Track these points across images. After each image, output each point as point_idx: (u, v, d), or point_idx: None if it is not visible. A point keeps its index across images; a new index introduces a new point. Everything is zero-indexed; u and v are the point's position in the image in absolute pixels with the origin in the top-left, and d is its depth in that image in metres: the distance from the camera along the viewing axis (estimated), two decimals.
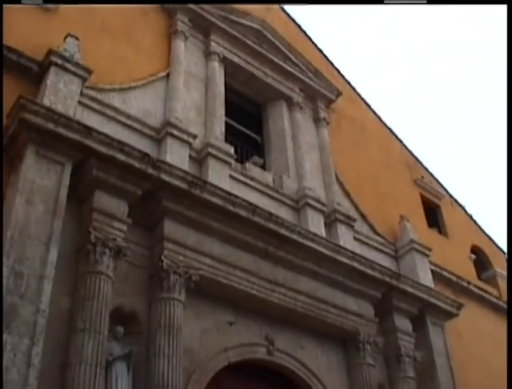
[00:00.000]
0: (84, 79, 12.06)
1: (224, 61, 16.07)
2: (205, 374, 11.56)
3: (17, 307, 9.05)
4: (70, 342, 9.79)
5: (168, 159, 12.39)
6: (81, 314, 9.96)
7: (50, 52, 11.74)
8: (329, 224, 15.43)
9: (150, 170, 11.51)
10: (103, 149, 11.02)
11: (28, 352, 8.87)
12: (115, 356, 10.42)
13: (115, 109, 12.70)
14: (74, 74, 11.84)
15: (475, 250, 21.85)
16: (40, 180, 10.30)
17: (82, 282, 10.32)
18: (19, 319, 8.98)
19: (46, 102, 11.01)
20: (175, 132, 13.05)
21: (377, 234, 16.98)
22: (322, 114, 17.96)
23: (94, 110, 12.34)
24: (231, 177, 13.82)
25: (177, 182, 11.80)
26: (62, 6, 12.97)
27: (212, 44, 15.95)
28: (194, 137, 13.46)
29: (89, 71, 12.11)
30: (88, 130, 10.94)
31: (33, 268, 9.51)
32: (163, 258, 11.38)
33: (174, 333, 10.84)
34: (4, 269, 9.17)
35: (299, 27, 20.35)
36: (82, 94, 12.05)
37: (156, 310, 11.09)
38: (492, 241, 23.10)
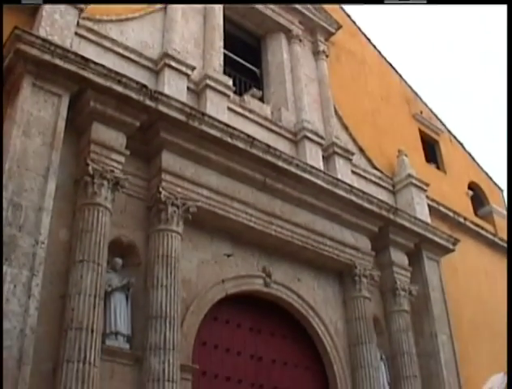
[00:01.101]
0: (81, 10, 11.83)
1: None
2: (202, 305, 11.69)
3: (16, 239, 9.07)
4: (69, 273, 9.86)
5: (166, 90, 12.27)
6: (79, 245, 9.99)
7: None
8: (327, 158, 15.41)
9: (148, 102, 11.40)
10: (100, 80, 10.87)
11: (28, 283, 8.94)
12: (113, 287, 10.55)
13: (112, 41, 12.52)
14: (71, 4, 11.62)
15: (472, 186, 21.90)
16: (37, 112, 10.20)
17: (80, 214, 10.32)
18: (18, 251, 9.02)
19: (42, 33, 10.81)
20: (173, 64, 12.90)
21: (375, 168, 16.97)
22: (322, 47, 17.72)
23: (91, 41, 12.18)
24: (229, 109, 13.72)
25: (175, 114, 11.70)
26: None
27: None
28: (193, 69, 13.30)
29: (86, 1, 11.89)
30: (85, 62, 10.78)
31: (31, 200, 9.50)
32: (161, 189, 11.38)
33: (172, 264, 10.91)
34: (3, 201, 9.15)
35: None
36: (78, 25, 11.84)
37: (154, 242, 11.13)
38: (490, 178, 23.14)
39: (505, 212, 22.23)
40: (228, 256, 12.55)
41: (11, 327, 8.52)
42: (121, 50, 12.56)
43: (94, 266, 9.87)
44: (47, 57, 10.36)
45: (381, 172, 17.07)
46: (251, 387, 12.28)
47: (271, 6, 16.87)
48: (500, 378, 16.85)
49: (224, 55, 15.02)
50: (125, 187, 11.09)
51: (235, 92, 14.48)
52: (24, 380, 8.39)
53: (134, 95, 11.22)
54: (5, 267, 8.78)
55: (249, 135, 12.73)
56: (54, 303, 9.63)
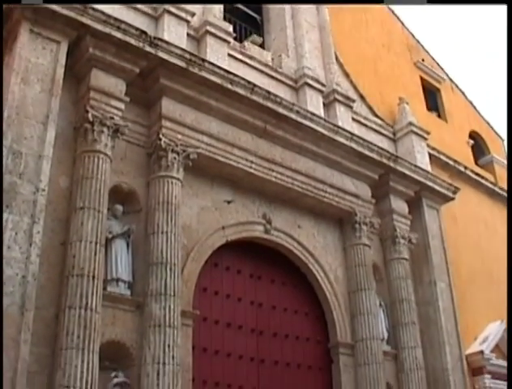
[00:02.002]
0: None
1: None
2: (203, 252, 11.75)
3: (16, 186, 9.07)
4: (69, 220, 9.88)
5: (166, 37, 12.11)
6: (80, 192, 9.98)
7: None
8: (327, 105, 15.31)
9: (147, 48, 11.26)
10: (99, 27, 10.70)
11: (29, 230, 8.97)
12: (114, 234, 10.61)
13: None
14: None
15: (473, 135, 21.87)
16: (35, 59, 10.07)
17: (80, 161, 10.29)
18: (19, 198, 9.02)
19: None
20: (172, 9, 12.69)
21: (376, 116, 16.89)
22: None
23: None
24: (229, 55, 13.58)
25: (174, 60, 11.57)
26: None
27: None
28: (192, 15, 13.11)
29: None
30: (84, 7, 10.57)
31: (31, 148, 9.46)
32: (161, 136, 11.34)
33: (172, 211, 10.93)
34: (2, 149, 9.11)
35: None
36: None
37: (155, 189, 11.14)
38: (491, 127, 23.07)
39: (505, 162, 22.19)
40: (229, 203, 12.57)
41: (13, 273, 8.57)
42: None
43: (94, 213, 9.87)
44: (45, 2, 10.19)
45: (382, 119, 17.00)
46: (251, 333, 12.42)
47: None
48: (497, 326, 17.02)
49: (225, 1, 14.81)
50: (125, 134, 11.04)
51: (235, 39, 14.31)
52: (27, 326, 8.48)
53: (133, 41, 11.07)
54: (6, 215, 8.79)
55: (249, 82, 12.62)
56: (55, 250, 9.68)
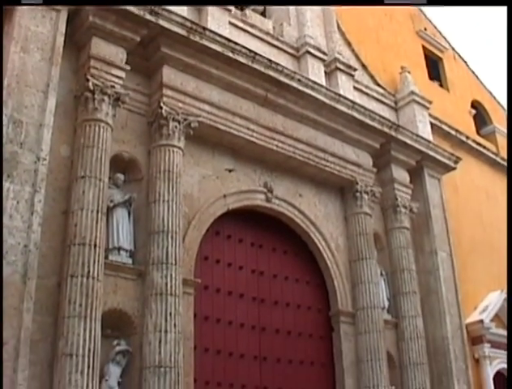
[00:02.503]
0: None
1: None
2: (204, 220, 11.77)
3: (17, 155, 9.04)
4: (71, 189, 9.87)
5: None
6: (81, 161, 9.96)
7: None
8: (329, 73, 15.20)
9: (148, 16, 11.14)
10: None
11: (31, 199, 8.95)
12: (115, 203, 10.60)
13: None
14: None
15: (475, 105, 21.76)
16: (35, 27, 9.97)
17: (81, 130, 10.26)
18: (20, 168, 9.00)
19: None
20: None
21: (378, 85, 16.80)
22: None
23: None
24: (230, 24, 13.45)
25: (175, 28, 11.47)
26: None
27: None
28: None
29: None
30: None
31: (32, 116, 9.41)
32: (162, 105, 11.28)
33: (174, 179, 10.92)
34: (3, 118, 9.07)
35: None
36: None
37: (156, 157, 11.12)
38: (493, 97, 22.94)
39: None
40: (230, 171, 12.56)
41: (15, 242, 8.58)
42: None
43: (96, 181, 9.86)
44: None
45: (384, 88, 16.91)
46: (252, 301, 12.48)
47: None
48: (497, 296, 17.09)
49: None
50: (126, 103, 10.98)
51: (236, 7, 14.22)
52: (30, 294, 8.50)
53: (133, 9, 10.97)
54: (7, 184, 8.78)
55: (250, 50, 12.52)
56: (57, 219, 9.69)
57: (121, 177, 10.94)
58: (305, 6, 13.97)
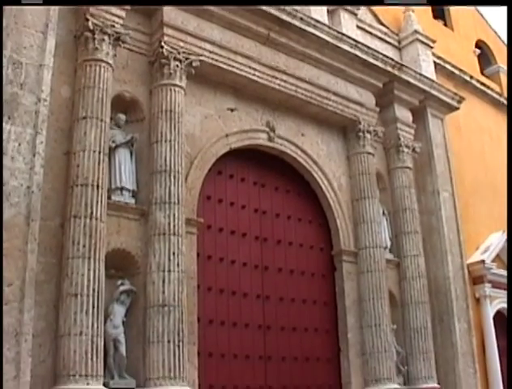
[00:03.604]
0: None
1: None
2: (206, 160, 11.75)
3: (18, 97, 8.94)
4: (72, 130, 9.81)
5: None
6: (82, 102, 9.88)
7: None
8: (332, 12, 14.96)
9: None
10: None
11: (33, 141, 8.90)
12: (117, 143, 10.57)
13: None
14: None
15: (480, 44, 21.49)
16: None
17: (81, 70, 10.14)
18: (21, 109, 8.92)
19: None
20: None
21: (381, 24, 16.58)
22: None
23: None
24: None
25: None
26: None
27: None
28: None
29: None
30: None
31: (31, 57, 9.28)
32: (163, 44, 11.12)
33: (175, 119, 10.84)
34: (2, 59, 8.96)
35: None
36: None
37: (157, 97, 11.01)
38: (498, 37, 22.66)
39: None
40: (232, 111, 12.47)
41: (18, 184, 8.57)
42: None
43: (97, 122, 9.81)
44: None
45: (387, 27, 16.70)
46: (255, 240, 12.54)
47: None
48: (499, 237, 17.17)
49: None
50: (127, 42, 10.83)
51: None
52: (33, 235, 8.53)
53: None
54: (8, 126, 8.72)
55: None
56: (59, 160, 9.68)
57: (122, 117, 10.87)
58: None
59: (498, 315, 16.63)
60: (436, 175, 15.60)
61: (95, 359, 8.77)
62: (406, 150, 14.93)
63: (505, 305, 16.72)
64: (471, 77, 19.12)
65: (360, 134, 14.08)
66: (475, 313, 15.61)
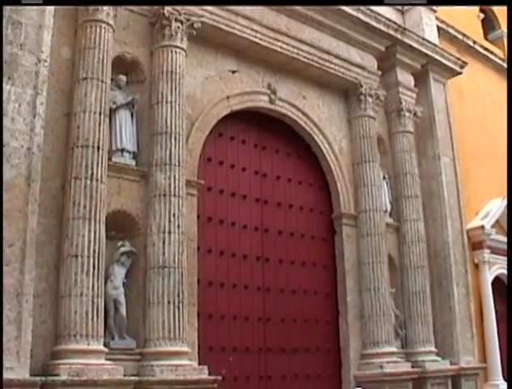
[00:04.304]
0: None
1: None
2: (207, 122, 11.71)
3: (18, 57, 8.84)
4: (73, 91, 9.76)
5: None
6: (82, 63, 9.81)
7: None
8: None
9: None
10: None
11: (33, 102, 8.81)
12: (118, 105, 10.52)
13: None
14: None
15: (483, 9, 21.25)
16: None
17: (82, 31, 10.05)
18: (21, 70, 8.83)
19: None
20: None
21: None
22: None
23: None
24: None
25: None
26: None
27: None
28: None
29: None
30: None
31: (31, 17, 9.13)
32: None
33: (176, 80, 10.78)
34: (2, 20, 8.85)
35: None
36: None
37: (158, 58, 10.93)
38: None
39: None
40: (233, 72, 12.41)
41: (18, 145, 8.52)
42: None
43: (98, 83, 9.75)
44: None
45: None
46: (255, 203, 12.56)
47: None
48: (499, 203, 17.18)
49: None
50: (128, 2, 10.75)
51: None
52: (34, 196, 8.50)
53: None
54: (8, 87, 8.64)
55: None
56: (60, 122, 9.64)
57: (123, 78, 10.80)
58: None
59: (497, 281, 16.73)
60: (437, 140, 15.55)
61: (95, 320, 8.85)
62: (407, 114, 14.88)
63: (503, 271, 16.82)
64: (475, 42, 18.98)
65: (362, 97, 14.02)
66: (473, 278, 15.69)
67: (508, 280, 16.44)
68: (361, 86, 14.03)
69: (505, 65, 20.11)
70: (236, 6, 12.00)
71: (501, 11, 21.88)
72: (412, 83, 15.33)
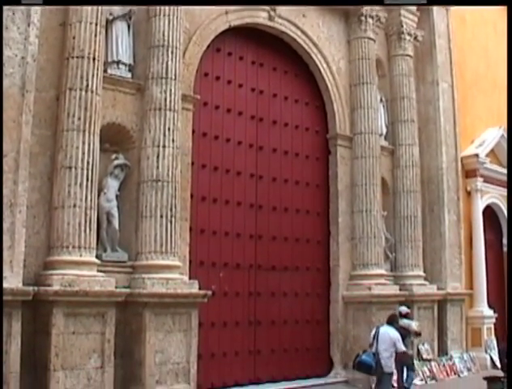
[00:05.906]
0: None
1: None
2: (205, 36, 11.57)
3: None
4: None
5: None
6: None
7: None
8: None
9: None
10: None
11: (27, 10, 8.58)
12: (115, 16, 10.35)
13: None
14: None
15: None
16: None
17: None
18: None
19: None
20: None
21: None
22: None
23: None
24: None
25: None
26: None
27: None
28: None
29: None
30: None
31: None
32: None
33: None
34: None
35: None
36: None
37: None
38: None
39: None
40: None
41: (12, 54, 8.39)
42: None
43: None
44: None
45: None
46: (251, 120, 12.53)
47: None
48: (495, 132, 17.13)
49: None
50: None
51: None
52: (28, 107, 8.44)
53: None
54: None
55: None
56: (55, 31, 9.47)
57: None
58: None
59: (488, 210, 16.87)
60: (436, 65, 15.43)
61: (88, 231, 8.92)
62: (408, 37, 14.69)
63: (494, 200, 16.95)
64: None
65: (362, 18, 13.81)
66: (465, 205, 15.80)
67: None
68: (362, 6, 13.76)
69: None
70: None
71: None
72: (414, 6, 14.99)
